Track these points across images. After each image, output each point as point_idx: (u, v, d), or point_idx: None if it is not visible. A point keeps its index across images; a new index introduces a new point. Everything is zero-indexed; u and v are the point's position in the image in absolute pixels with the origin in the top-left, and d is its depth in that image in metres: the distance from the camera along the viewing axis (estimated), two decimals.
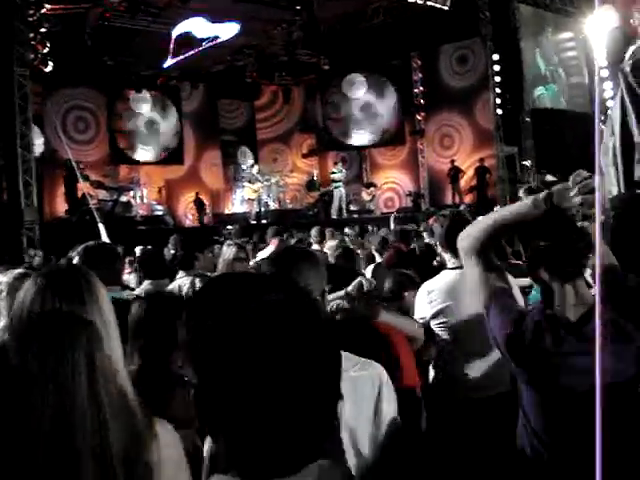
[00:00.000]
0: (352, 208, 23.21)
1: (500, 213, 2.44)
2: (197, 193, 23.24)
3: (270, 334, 1.07)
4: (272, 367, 1.06)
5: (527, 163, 20.02)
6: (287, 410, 1.08)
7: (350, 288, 3.27)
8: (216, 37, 19.32)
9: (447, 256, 4.11)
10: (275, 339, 1.07)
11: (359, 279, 3.43)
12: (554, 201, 2.14)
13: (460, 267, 3.88)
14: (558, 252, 2.21)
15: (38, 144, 17.78)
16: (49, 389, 1.52)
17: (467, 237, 2.35)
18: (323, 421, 1.15)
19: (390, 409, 2.27)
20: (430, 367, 4.09)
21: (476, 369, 3.84)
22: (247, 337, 1.06)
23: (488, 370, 3.80)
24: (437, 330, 3.93)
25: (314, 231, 9.63)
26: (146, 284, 5.52)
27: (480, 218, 2.47)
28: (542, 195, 2.18)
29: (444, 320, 3.90)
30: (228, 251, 5.96)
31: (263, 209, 22.67)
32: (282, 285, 1.17)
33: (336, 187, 21.96)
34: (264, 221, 20.94)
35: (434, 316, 3.93)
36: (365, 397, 2.22)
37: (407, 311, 4.39)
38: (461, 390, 3.88)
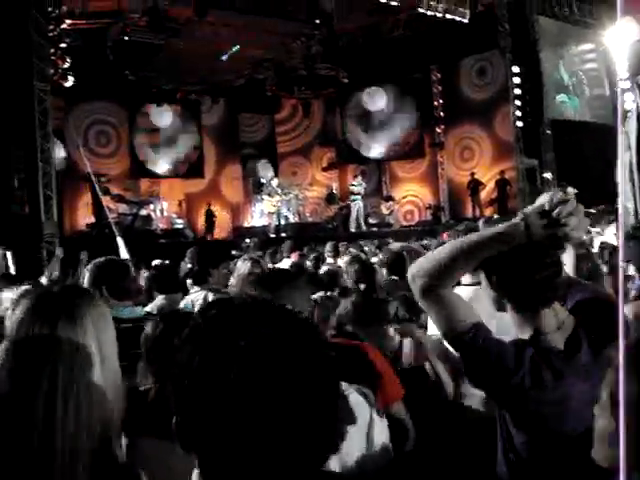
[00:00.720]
0: (371, 221, 23.14)
1: (462, 242, 2.12)
2: (209, 204, 23.16)
3: (263, 373, 1.01)
4: (264, 406, 1.00)
5: (548, 175, 19.89)
6: (281, 450, 1.01)
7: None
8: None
9: None
10: (269, 377, 1.01)
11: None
12: (529, 228, 1.98)
13: (476, 283, 3.81)
14: (530, 282, 2.05)
15: (59, 158, 17.91)
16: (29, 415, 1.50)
17: (419, 276, 2.10)
18: (320, 458, 1.09)
19: (382, 437, 2.22)
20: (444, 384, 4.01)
21: None
22: (238, 376, 1.00)
23: None
24: (451, 348, 3.86)
25: (328, 246, 9.61)
26: (159, 299, 5.50)
27: (432, 253, 2.19)
28: (518, 220, 2.03)
29: None
30: (243, 266, 5.94)
31: (282, 222, 22.65)
32: (275, 315, 1.10)
33: (354, 200, 21.91)
34: (283, 234, 20.93)
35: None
36: (358, 425, 2.16)
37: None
38: (471, 407, 3.81)
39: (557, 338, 2.06)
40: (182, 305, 5.62)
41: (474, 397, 3.78)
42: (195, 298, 5.63)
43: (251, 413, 1.00)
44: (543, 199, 2.01)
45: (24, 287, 3.59)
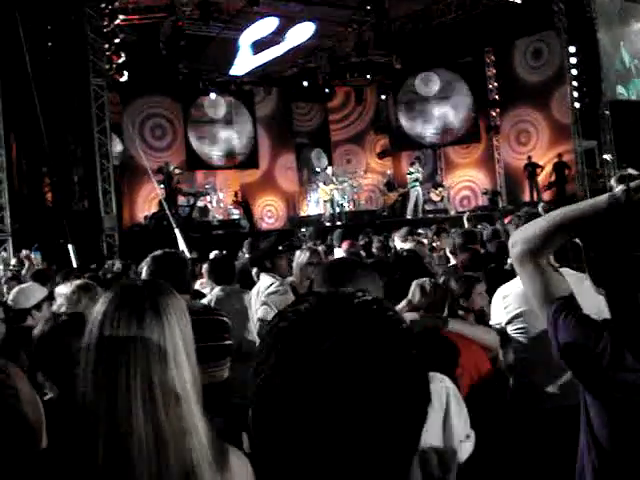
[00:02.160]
0: (427, 208, 22.96)
1: (561, 212, 2.09)
2: (235, 193, 22.94)
3: (350, 374, 0.95)
4: (353, 422, 0.94)
5: (607, 157, 19.47)
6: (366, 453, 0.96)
7: (410, 295, 3.17)
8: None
9: None
10: (356, 377, 0.95)
11: (418, 283, 3.32)
12: (633, 198, 1.90)
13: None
14: (629, 259, 1.93)
15: (116, 152, 18.19)
16: (101, 417, 1.51)
17: (519, 242, 2.10)
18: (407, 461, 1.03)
19: (460, 423, 2.18)
20: (508, 373, 3.96)
21: (556, 376, 3.69)
22: (324, 377, 0.94)
23: (569, 378, 3.65)
24: (514, 336, 3.80)
25: (403, 231, 9.53)
26: (217, 290, 5.52)
27: (536, 220, 2.17)
28: (619, 190, 1.96)
29: (521, 326, 3.76)
30: (301, 256, 5.97)
31: (337, 211, 22.64)
32: (363, 312, 1.02)
33: (413, 186, 21.76)
34: (338, 223, 20.92)
35: (510, 321, 3.80)
36: (432, 413, 2.13)
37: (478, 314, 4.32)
38: (542, 397, 3.74)
39: None
40: (254, 292, 5.66)
41: None
42: (267, 284, 5.63)
43: (334, 412, 0.95)
44: None
45: (77, 282, 3.62)
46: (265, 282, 5.71)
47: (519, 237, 2.11)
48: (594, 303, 2.13)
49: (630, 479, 1.95)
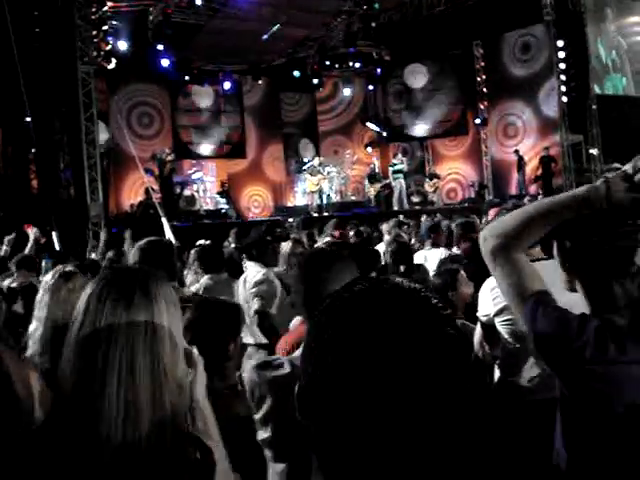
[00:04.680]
0: (414, 200, 22.99)
1: (538, 204, 2.09)
2: (222, 183, 22.89)
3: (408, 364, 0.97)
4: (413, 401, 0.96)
5: (594, 151, 19.57)
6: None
7: None
8: None
9: None
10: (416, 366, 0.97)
11: None
12: (612, 189, 1.91)
13: (542, 258, 3.76)
14: (608, 249, 1.96)
15: (103, 140, 18.09)
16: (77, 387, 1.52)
17: (494, 236, 2.06)
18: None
19: None
20: (495, 366, 3.97)
21: (543, 368, 3.71)
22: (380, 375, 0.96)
23: None
24: (501, 328, 3.81)
25: (392, 222, 9.58)
26: (205, 279, 5.53)
27: (511, 213, 2.13)
28: (599, 181, 1.95)
29: (508, 317, 3.76)
30: (285, 246, 5.99)
31: (325, 201, 22.64)
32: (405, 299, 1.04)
33: (396, 178, 21.81)
34: (326, 213, 20.92)
35: (498, 313, 3.80)
36: None
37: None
38: (526, 390, 3.76)
39: (624, 315, 1.97)
40: (240, 281, 5.65)
41: None
42: (254, 274, 5.62)
43: (389, 388, 0.97)
44: (627, 165, 1.95)
45: (59, 268, 3.59)
46: (252, 271, 5.72)
47: (492, 231, 2.08)
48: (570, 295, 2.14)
49: (602, 468, 1.96)
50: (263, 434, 2.19)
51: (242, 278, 5.80)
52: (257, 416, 2.20)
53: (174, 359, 1.66)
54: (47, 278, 3.49)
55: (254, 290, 5.39)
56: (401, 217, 11.19)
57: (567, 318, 1.97)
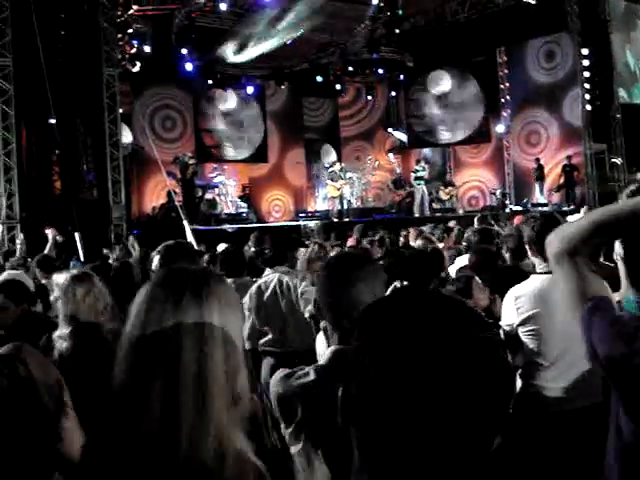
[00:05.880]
0: (435, 207, 22.93)
1: (601, 212, 2.06)
2: (244, 187, 22.97)
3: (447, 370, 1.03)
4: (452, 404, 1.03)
5: (617, 161, 19.43)
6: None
7: None
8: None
9: (537, 260, 3.91)
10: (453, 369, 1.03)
11: None
12: None
13: (550, 272, 3.72)
14: None
15: (126, 142, 18.19)
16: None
17: (558, 241, 2.07)
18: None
19: None
20: (517, 376, 3.94)
21: (565, 379, 3.67)
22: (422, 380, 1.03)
23: (578, 380, 3.64)
24: (524, 338, 3.78)
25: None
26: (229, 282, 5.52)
27: (572, 219, 2.15)
28: None
29: (532, 327, 3.74)
30: (308, 250, 5.97)
31: (345, 207, 22.63)
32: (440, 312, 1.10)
33: (418, 184, 21.79)
34: (346, 219, 20.91)
35: (522, 323, 3.77)
36: None
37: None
38: (549, 401, 3.73)
39: None
40: (255, 286, 5.65)
41: None
42: (269, 279, 5.63)
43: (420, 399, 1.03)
44: None
45: (74, 272, 3.62)
46: (268, 276, 5.73)
47: (556, 236, 2.08)
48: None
49: None
50: (297, 446, 2.17)
51: (261, 282, 5.78)
52: (289, 430, 2.18)
53: (231, 362, 1.61)
54: (60, 280, 3.51)
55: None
56: (426, 227, 11.11)
57: (620, 325, 1.95)
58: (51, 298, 3.54)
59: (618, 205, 2.06)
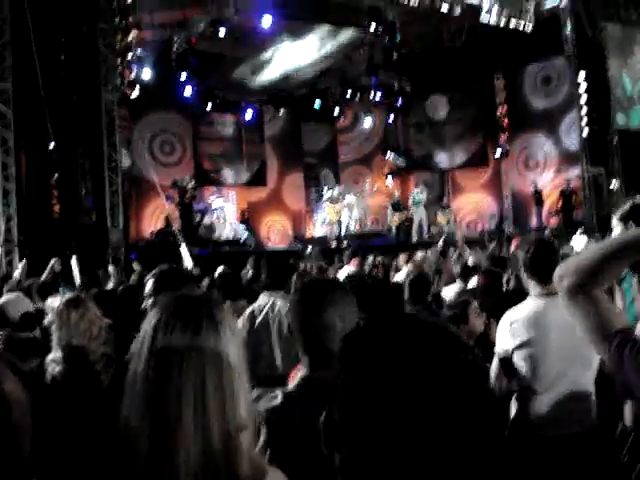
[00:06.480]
0: (433, 231, 22.92)
1: (616, 241, 2.03)
2: (243, 211, 22.93)
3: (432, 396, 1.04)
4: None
5: (615, 184, 19.47)
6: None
7: None
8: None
9: (532, 284, 3.91)
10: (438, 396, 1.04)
11: None
12: None
13: (547, 294, 3.72)
14: None
15: (125, 166, 18.22)
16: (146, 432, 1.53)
17: (570, 274, 1.97)
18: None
19: None
20: (512, 402, 3.91)
21: (561, 404, 3.65)
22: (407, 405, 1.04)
23: (573, 406, 3.62)
24: (519, 363, 3.76)
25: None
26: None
27: (585, 249, 2.06)
28: None
29: (527, 353, 3.72)
30: (297, 274, 5.95)
31: (344, 231, 22.64)
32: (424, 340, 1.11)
33: (416, 209, 21.82)
34: (344, 243, 20.90)
35: (517, 348, 3.75)
36: None
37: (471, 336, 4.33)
38: (544, 426, 3.70)
39: None
40: (249, 310, 5.62)
41: None
42: (262, 304, 5.61)
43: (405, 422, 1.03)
44: None
45: (68, 296, 3.62)
46: (262, 300, 5.71)
47: (568, 269, 1.99)
48: None
49: None
50: None
51: (256, 305, 5.76)
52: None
53: (242, 386, 1.65)
54: (55, 304, 3.51)
55: None
56: (419, 252, 11.10)
57: None
58: (45, 322, 3.53)
59: (626, 233, 2.01)
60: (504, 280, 6.17)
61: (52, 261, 9.47)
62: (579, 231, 11.60)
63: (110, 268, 9.50)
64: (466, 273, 7.34)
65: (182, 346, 1.60)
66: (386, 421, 1.03)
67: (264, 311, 5.51)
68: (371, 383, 1.05)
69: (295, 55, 19.86)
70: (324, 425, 1.11)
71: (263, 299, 5.64)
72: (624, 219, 3.67)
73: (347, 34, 19.43)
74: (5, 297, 6.13)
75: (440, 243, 11.01)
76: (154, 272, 3.81)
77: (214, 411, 1.55)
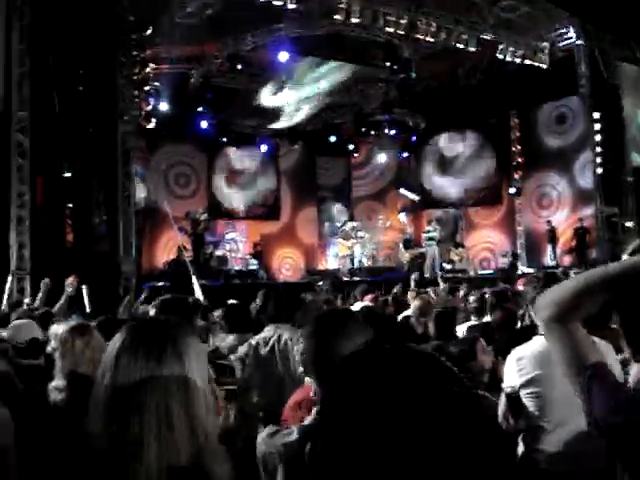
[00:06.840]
0: (446, 267, 22.85)
1: (593, 273, 1.98)
2: (255, 244, 22.78)
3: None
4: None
5: (629, 224, 19.40)
6: None
7: None
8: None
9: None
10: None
11: None
12: None
13: None
14: None
15: (139, 197, 18.33)
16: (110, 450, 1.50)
17: (546, 306, 1.97)
18: None
19: None
20: (519, 440, 3.86)
21: (569, 443, 3.59)
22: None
23: (582, 445, 3.55)
24: (527, 401, 3.71)
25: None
26: (230, 339, 5.49)
27: (564, 282, 2.05)
28: None
29: (534, 390, 3.67)
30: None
31: (356, 266, 22.61)
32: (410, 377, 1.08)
33: (429, 245, 21.77)
34: (356, 278, 20.85)
35: (524, 385, 3.71)
36: None
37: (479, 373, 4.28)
38: (552, 465, 3.64)
39: None
40: (253, 342, 5.59)
41: None
42: (267, 336, 5.58)
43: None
44: None
45: (72, 324, 3.60)
46: (267, 333, 5.68)
47: (545, 300, 2.00)
48: (620, 374, 2.05)
49: None
50: None
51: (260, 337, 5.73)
52: None
53: (206, 411, 1.64)
54: (59, 331, 3.49)
55: None
56: (429, 288, 11.11)
57: (624, 394, 1.88)
58: (48, 349, 3.52)
59: (605, 266, 1.99)
60: (519, 315, 6.13)
61: (70, 283, 9.41)
62: (572, 272, 11.52)
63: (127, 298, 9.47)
64: (481, 310, 7.31)
65: (145, 376, 1.58)
66: (370, 452, 1.00)
67: (270, 343, 5.47)
68: (353, 413, 1.03)
69: (309, 90, 20.03)
70: (309, 455, 1.10)
71: (269, 331, 5.61)
72: (633, 255, 3.63)
73: (362, 70, 19.58)
74: (15, 323, 6.16)
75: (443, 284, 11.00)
76: (155, 302, 3.81)
77: (180, 431, 1.54)
